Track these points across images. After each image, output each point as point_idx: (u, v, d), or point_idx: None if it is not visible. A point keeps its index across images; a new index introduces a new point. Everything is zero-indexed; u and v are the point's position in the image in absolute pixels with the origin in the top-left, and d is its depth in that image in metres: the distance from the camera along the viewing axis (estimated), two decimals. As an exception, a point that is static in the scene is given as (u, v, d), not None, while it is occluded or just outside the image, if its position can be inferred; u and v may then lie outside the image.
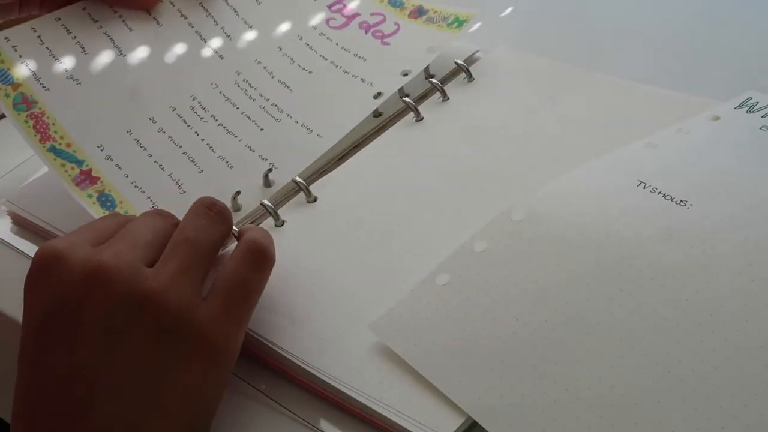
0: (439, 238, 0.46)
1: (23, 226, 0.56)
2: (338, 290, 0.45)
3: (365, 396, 0.40)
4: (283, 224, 0.50)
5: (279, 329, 0.43)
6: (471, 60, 0.61)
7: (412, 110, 0.56)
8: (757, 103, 0.49)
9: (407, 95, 0.58)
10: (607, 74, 0.57)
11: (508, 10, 0.69)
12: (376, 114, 0.57)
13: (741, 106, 0.49)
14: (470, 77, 0.59)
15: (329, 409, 0.41)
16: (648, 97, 0.54)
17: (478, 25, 0.67)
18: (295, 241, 0.49)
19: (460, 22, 0.59)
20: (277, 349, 0.43)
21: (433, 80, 0.58)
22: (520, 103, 0.56)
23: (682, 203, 0.43)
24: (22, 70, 0.51)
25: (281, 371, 0.43)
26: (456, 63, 0.59)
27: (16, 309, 0.50)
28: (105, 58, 0.54)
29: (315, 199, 0.52)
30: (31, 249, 0.54)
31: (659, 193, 0.44)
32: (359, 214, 0.50)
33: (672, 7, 0.66)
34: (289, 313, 0.44)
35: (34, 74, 0.51)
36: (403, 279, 0.44)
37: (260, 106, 0.54)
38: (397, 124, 0.56)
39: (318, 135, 0.54)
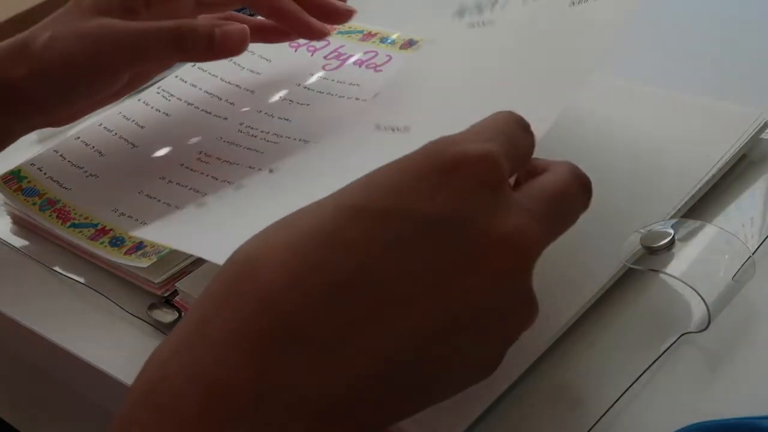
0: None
1: (23, 226, 0.56)
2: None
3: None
4: (282, 224, 0.50)
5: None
6: (472, 60, 0.61)
7: (412, 110, 0.56)
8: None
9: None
10: (606, 74, 0.57)
11: (508, 10, 0.69)
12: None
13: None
14: (470, 77, 0.59)
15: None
16: (647, 96, 0.54)
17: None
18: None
19: None
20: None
21: (433, 80, 0.58)
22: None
23: None
24: (48, 183, 0.56)
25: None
26: (456, 63, 0.59)
27: (15, 309, 0.51)
28: (120, 154, 0.58)
29: (314, 199, 0.51)
30: (31, 249, 0.54)
31: None
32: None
33: (670, 7, 0.66)
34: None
35: (58, 183, 0.56)
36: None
37: (262, 138, 0.57)
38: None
39: (314, 143, 0.55)
